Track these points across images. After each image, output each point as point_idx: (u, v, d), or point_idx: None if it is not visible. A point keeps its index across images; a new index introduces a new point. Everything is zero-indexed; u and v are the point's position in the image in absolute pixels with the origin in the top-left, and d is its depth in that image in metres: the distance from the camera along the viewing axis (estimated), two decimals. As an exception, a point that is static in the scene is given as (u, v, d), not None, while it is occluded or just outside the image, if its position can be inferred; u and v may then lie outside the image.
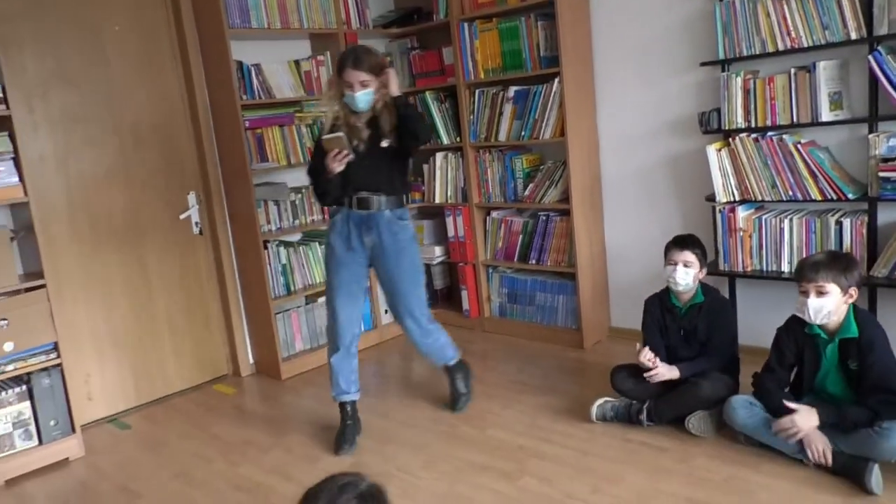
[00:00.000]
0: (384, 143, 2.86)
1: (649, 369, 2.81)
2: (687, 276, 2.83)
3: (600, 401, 2.96)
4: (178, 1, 3.63)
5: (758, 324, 3.30)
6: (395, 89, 2.81)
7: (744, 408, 2.60)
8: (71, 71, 3.36)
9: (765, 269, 3.20)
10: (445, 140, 4.31)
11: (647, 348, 2.84)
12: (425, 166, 4.48)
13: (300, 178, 4.10)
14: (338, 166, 2.75)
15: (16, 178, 2.91)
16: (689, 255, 2.83)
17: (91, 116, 3.43)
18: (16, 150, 2.91)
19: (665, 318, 2.96)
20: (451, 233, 4.41)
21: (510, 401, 3.30)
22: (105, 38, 3.46)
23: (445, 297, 4.78)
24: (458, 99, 4.14)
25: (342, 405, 3.07)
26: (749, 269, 3.24)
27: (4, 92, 2.87)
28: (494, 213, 4.22)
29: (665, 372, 2.80)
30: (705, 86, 3.39)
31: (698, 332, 2.88)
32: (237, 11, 3.64)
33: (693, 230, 3.50)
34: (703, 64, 3.27)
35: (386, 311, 4.40)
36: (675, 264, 2.84)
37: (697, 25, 3.36)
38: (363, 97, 2.77)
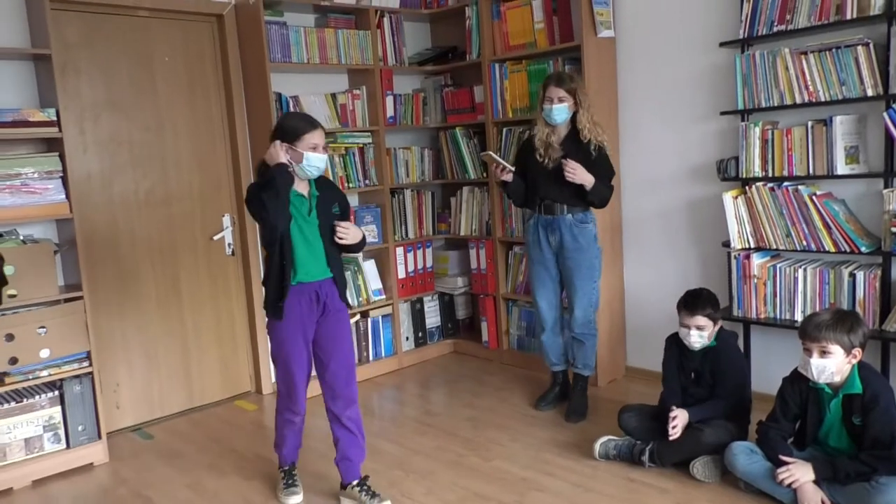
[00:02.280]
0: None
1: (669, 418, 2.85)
2: (701, 338, 2.90)
3: (603, 439, 3.00)
4: (224, 36, 3.86)
5: (770, 371, 3.30)
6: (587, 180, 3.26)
7: (744, 454, 2.61)
8: (121, 97, 3.59)
9: (778, 316, 3.21)
10: (472, 175, 4.44)
11: (679, 413, 2.85)
12: (452, 199, 4.61)
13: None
14: (501, 175, 3.39)
15: (63, 196, 3.12)
16: (700, 320, 2.88)
17: (136, 140, 3.65)
18: (64, 170, 3.12)
19: (681, 359, 3.02)
20: (474, 265, 4.51)
21: (519, 433, 3.35)
22: (155, 67, 3.69)
23: (467, 328, 4.87)
24: (486, 136, 4.27)
25: (553, 373, 3.69)
26: (762, 316, 3.26)
27: (59, 116, 3.09)
28: (516, 248, 4.31)
29: (682, 423, 2.82)
30: (725, 134, 3.46)
31: (711, 377, 2.93)
32: (279, 47, 3.84)
33: (709, 275, 3.57)
34: (723, 113, 3.34)
35: (408, 339, 4.52)
36: (689, 328, 2.90)
37: (718, 76, 3.44)
38: (558, 110, 3.27)
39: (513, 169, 3.42)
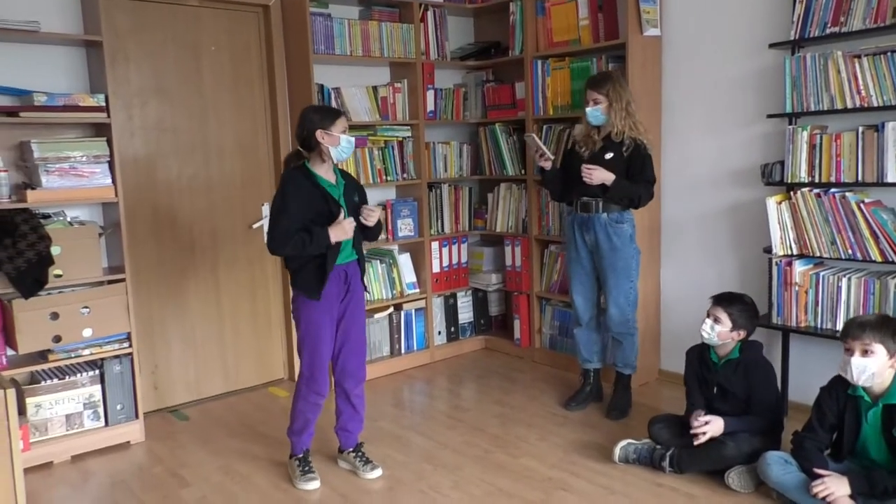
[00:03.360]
0: (607, 156, 3.31)
1: (694, 423, 2.79)
2: (712, 331, 2.83)
3: (623, 442, 2.97)
4: (269, 27, 3.91)
5: (808, 381, 3.23)
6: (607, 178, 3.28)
7: (778, 464, 2.56)
8: (168, 84, 3.66)
9: (819, 326, 3.14)
10: (511, 171, 4.42)
11: (699, 414, 2.80)
12: (489, 195, 4.60)
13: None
14: (541, 162, 3.43)
15: (109, 180, 3.20)
16: (719, 311, 2.83)
17: (181, 127, 3.72)
18: (111, 154, 3.20)
19: (702, 371, 2.96)
20: (508, 262, 4.50)
21: (548, 432, 3.34)
22: (201, 56, 3.76)
23: (500, 325, 4.86)
24: (525, 133, 4.24)
25: (584, 371, 3.66)
26: (803, 324, 3.18)
27: (107, 101, 3.17)
28: (552, 247, 4.29)
29: (713, 430, 2.75)
30: (770, 138, 3.38)
31: (735, 390, 2.84)
32: (323, 38, 3.88)
33: (749, 281, 3.51)
34: (770, 116, 3.26)
35: (440, 333, 4.53)
36: (708, 317, 2.85)
37: (766, 78, 3.36)
38: (591, 113, 3.30)
39: (552, 157, 3.44)
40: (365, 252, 2.95)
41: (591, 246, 3.44)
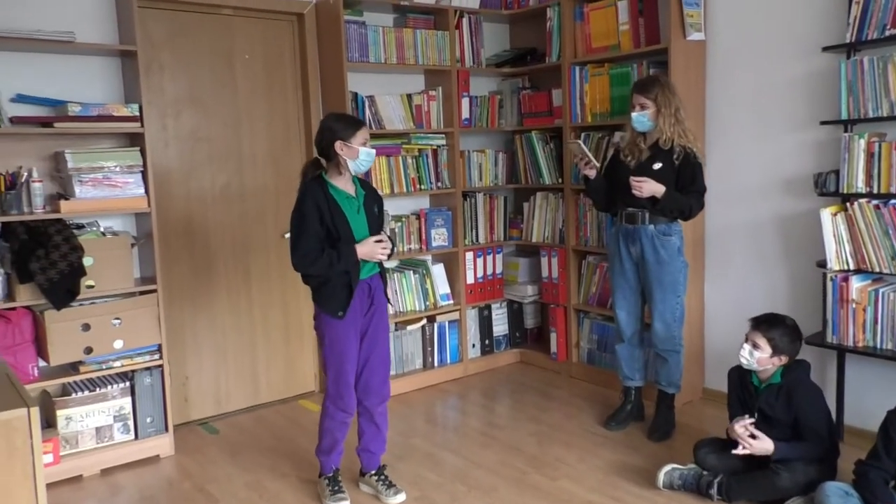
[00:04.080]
0: (656, 166, 3.17)
1: (738, 441, 2.63)
2: (750, 357, 2.67)
3: (668, 468, 2.82)
4: (304, 35, 3.86)
5: (865, 404, 3.06)
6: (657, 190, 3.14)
7: (838, 496, 2.39)
8: (202, 94, 3.63)
9: (878, 346, 2.95)
10: (547, 180, 4.31)
11: (744, 418, 2.66)
12: (525, 205, 4.49)
13: (401, 206, 4.22)
14: (585, 170, 3.32)
15: (142, 190, 3.17)
16: (758, 337, 2.67)
17: (215, 137, 3.69)
18: (145, 164, 3.17)
19: (743, 394, 2.80)
20: (545, 273, 4.38)
21: (587, 453, 3.21)
22: (235, 65, 3.73)
23: (535, 338, 4.74)
24: (563, 141, 4.13)
25: (625, 389, 3.51)
26: (860, 344, 3.00)
27: (141, 111, 3.14)
28: (590, 258, 4.15)
29: (759, 446, 2.59)
30: (824, 146, 3.21)
31: (777, 416, 2.67)
32: (357, 46, 3.82)
33: (799, 296, 3.34)
34: (824, 123, 3.10)
35: (474, 346, 4.42)
36: (746, 341, 2.70)
37: (820, 82, 3.20)
38: (637, 118, 3.17)
39: (597, 165, 3.34)
40: (398, 262, 2.87)
41: (637, 258, 3.30)
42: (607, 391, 3.93)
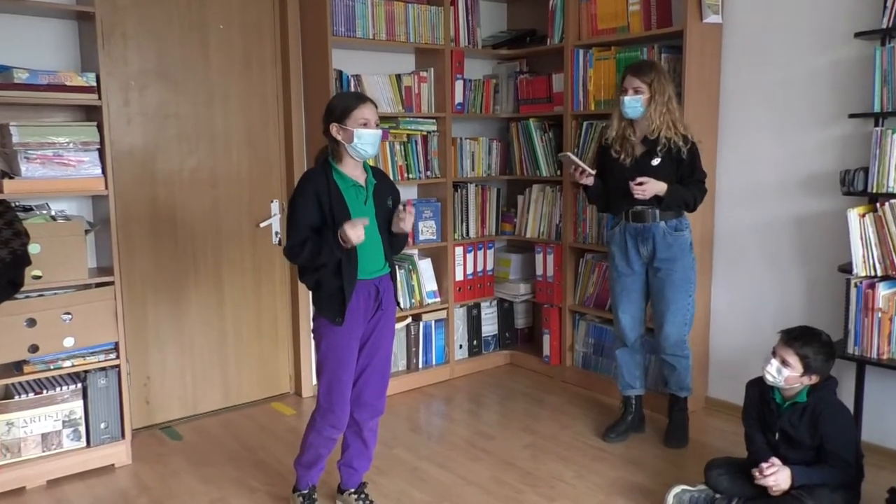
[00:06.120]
0: (654, 162, 2.95)
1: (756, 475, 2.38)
2: (778, 374, 2.38)
3: (677, 489, 2.56)
4: (285, 5, 3.54)
5: (888, 421, 2.85)
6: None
7: (871, 530, 2.15)
8: (171, 67, 3.30)
9: (905, 359, 2.72)
10: (545, 172, 4.03)
11: (780, 469, 2.37)
12: (520, 197, 4.21)
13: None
14: (582, 179, 3.07)
15: (99, 170, 2.83)
16: (789, 354, 2.37)
17: (185, 114, 3.36)
18: (102, 142, 2.84)
19: (763, 411, 2.53)
20: (539, 271, 4.10)
21: (585, 469, 2.95)
22: (209, 36, 3.39)
23: (526, 339, 4.47)
24: (563, 129, 3.85)
25: (625, 398, 3.27)
26: (885, 356, 2.76)
27: (99, 82, 2.80)
28: (588, 256, 3.89)
29: (783, 479, 2.34)
30: (851, 141, 2.96)
31: (801, 437, 2.40)
32: (343, 19, 3.50)
33: (816, 303, 3.11)
34: (853, 116, 2.84)
35: (461, 347, 4.14)
36: (774, 356, 2.42)
37: (850, 72, 2.95)
38: (630, 102, 2.92)
39: (593, 172, 3.07)
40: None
41: (647, 258, 3.08)
42: (603, 398, 3.68)
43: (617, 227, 3.16)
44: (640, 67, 2.98)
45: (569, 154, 3.10)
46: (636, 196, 2.93)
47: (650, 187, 2.90)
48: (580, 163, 3.04)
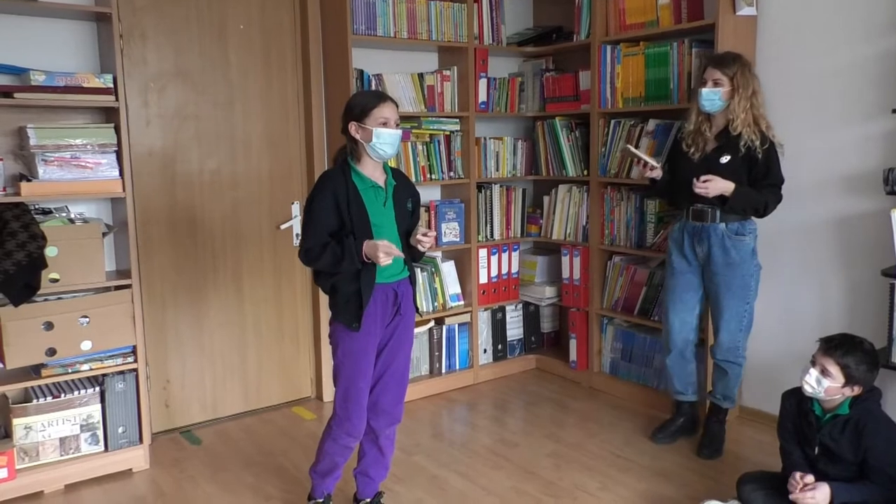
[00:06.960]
0: (723, 160, 2.84)
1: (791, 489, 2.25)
2: (818, 385, 2.24)
3: None
4: (305, 4, 3.49)
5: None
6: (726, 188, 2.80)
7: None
8: (191, 67, 3.27)
9: (954, 370, 2.55)
10: (571, 172, 3.92)
11: (819, 487, 2.23)
12: (546, 198, 4.10)
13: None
14: (648, 173, 2.99)
15: (116, 173, 2.81)
16: (830, 364, 2.23)
17: (204, 116, 3.33)
18: (119, 144, 2.81)
19: (801, 423, 2.39)
20: (565, 274, 3.99)
21: (610, 480, 2.84)
22: (228, 36, 3.36)
23: (552, 343, 4.37)
24: (590, 128, 3.74)
25: (678, 403, 3.20)
26: (932, 366, 2.60)
27: (116, 83, 2.78)
28: (617, 258, 3.77)
29: (821, 498, 2.21)
30: (895, 138, 2.80)
31: (842, 452, 2.26)
32: (363, 18, 3.44)
33: (858, 308, 2.96)
34: (897, 111, 2.69)
35: (485, 351, 4.05)
36: (813, 365, 2.28)
37: (893, 65, 2.78)
38: (708, 94, 2.80)
39: (657, 165, 2.98)
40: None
41: (703, 260, 2.96)
42: (632, 405, 3.57)
43: (677, 224, 3.06)
44: (722, 59, 2.84)
45: (629, 147, 3.01)
46: (699, 192, 2.79)
47: (714, 185, 2.77)
48: (643, 156, 2.95)
